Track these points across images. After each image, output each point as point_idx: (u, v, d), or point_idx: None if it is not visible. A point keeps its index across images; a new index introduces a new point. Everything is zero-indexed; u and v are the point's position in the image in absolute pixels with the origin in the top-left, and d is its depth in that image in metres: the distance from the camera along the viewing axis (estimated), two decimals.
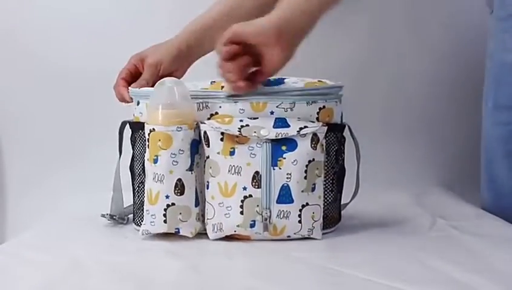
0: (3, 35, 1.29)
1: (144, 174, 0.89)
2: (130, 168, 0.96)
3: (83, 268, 0.77)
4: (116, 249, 0.87)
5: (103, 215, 0.97)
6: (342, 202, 0.98)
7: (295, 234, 0.88)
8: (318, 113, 0.90)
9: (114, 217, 0.97)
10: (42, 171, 1.30)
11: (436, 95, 1.34)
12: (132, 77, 1.00)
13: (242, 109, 0.88)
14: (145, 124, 0.88)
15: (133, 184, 0.95)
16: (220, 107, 0.88)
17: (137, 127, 0.92)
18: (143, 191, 0.91)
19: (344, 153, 0.95)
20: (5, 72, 1.30)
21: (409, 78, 1.33)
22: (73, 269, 0.77)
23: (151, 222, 0.87)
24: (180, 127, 0.86)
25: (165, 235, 0.88)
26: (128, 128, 0.96)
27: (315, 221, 0.88)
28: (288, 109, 0.88)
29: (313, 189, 0.88)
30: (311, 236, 0.89)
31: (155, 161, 0.86)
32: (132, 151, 0.95)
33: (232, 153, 0.86)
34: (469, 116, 1.30)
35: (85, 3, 1.29)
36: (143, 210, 0.90)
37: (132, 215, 0.97)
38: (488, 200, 1.10)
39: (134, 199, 0.95)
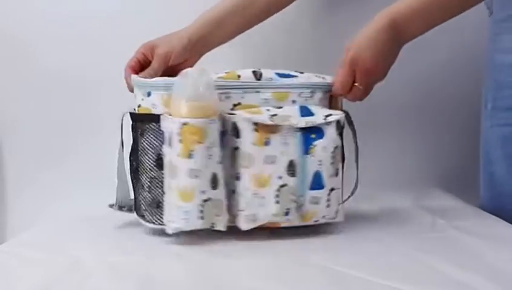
0: (2, 35, 1.29)
1: (158, 169, 0.88)
2: (132, 162, 0.93)
3: (83, 268, 0.77)
4: (116, 249, 0.87)
5: (110, 206, 0.95)
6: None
7: (323, 217, 0.90)
8: (330, 101, 0.94)
9: (123, 208, 0.96)
10: (42, 171, 1.30)
11: (437, 95, 1.34)
12: (141, 65, 0.99)
13: (265, 99, 0.89)
14: (169, 118, 0.85)
15: (138, 179, 0.92)
16: (243, 97, 0.89)
17: (148, 119, 0.90)
18: (157, 186, 0.89)
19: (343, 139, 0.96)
20: (4, 73, 1.29)
21: (409, 79, 1.33)
22: (73, 268, 0.77)
23: (185, 219, 0.85)
24: (213, 119, 0.84)
25: (165, 235, 0.88)
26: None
27: (339, 204, 0.91)
28: (309, 98, 0.91)
29: (336, 173, 0.91)
30: (336, 220, 0.92)
31: (191, 156, 0.83)
32: (135, 144, 0.92)
33: (267, 143, 0.86)
34: (470, 117, 1.31)
35: (81, 5, 1.29)
36: (157, 207, 0.89)
37: (135, 208, 0.95)
38: (487, 201, 1.10)
39: (142, 194, 0.92)
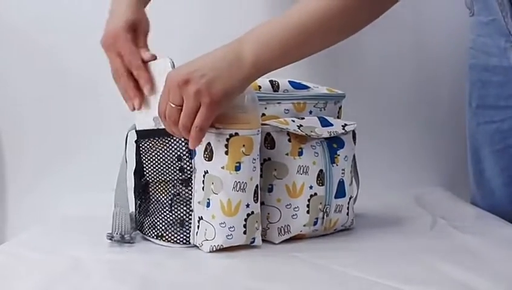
0: (4, 33, 1.29)
1: (183, 185, 0.85)
2: (141, 180, 0.91)
3: (83, 268, 0.78)
4: (116, 249, 0.87)
5: (110, 238, 0.86)
6: None
7: (342, 226, 0.93)
8: (338, 112, 0.96)
9: (125, 236, 0.87)
10: (42, 171, 1.30)
11: (437, 95, 1.34)
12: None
13: (287, 110, 0.90)
14: (211, 129, 0.81)
15: (150, 198, 0.89)
16: (266, 108, 0.89)
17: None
18: (181, 204, 0.86)
19: None
20: (5, 72, 1.30)
21: (408, 79, 1.34)
22: (73, 268, 0.77)
23: (228, 235, 0.82)
24: (258, 130, 0.83)
25: None
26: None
27: (353, 212, 0.94)
28: (322, 109, 0.93)
29: (351, 182, 0.94)
30: (352, 226, 0.95)
31: (237, 168, 0.81)
32: (145, 161, 0.89)
33: (300, 154, 0.87)
34: None
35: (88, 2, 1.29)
36: (181, 225, 0.85)
37: (145, 229, 0.90)
38: (479, 197, 1.12)
39: (159, 214, 0.88)
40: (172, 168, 0.86)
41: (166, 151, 0.87)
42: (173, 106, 0.79)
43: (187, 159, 0.85)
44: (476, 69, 1.09)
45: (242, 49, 0.78)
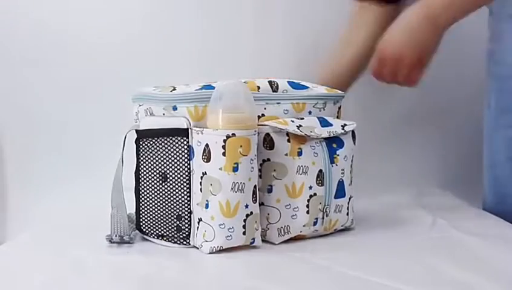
0: (4, 31, 1.29)
1: (189, 184, 0.85)
2: (143, 180, 0.90)
3: (83, 268, 0.78)
4: (116, 249, 0.87)
5: (109, 240, 0.87)
6: None
7: (342, 226, 0.93)
8: (337, 112, 0.96)
9: (124, 237, 0.88)
10: (42, 171, 1.30)
11: (437, 96, 1.34)
12: None
13: (286, 110, 0.90)
14: (209, 130, 0.82)
15: (157, 197, 0.88)
16: (265, 108, 0.89)
17: (173, 133, 0.86)
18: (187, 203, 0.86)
19: None
20: (5, 72, 1.30)
21: None
22: (73, 269, 0.77)
23: (227, 236, 0.82)
24: (255, 131, 0.84)
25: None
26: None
27: (353, 212, 0.94)
28: (322, 109, 0.93)
29: (351, 182, 0.94)
30: (352, 226, 0.95)
31: (235, 169, 0.81)
32: (145, 162, 0.89)
33: (299, 154, 0.87)
34: (470, 117, 1.31)
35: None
36: (177, 231, 0.86)
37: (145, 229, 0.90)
38: (491, 202, 1.11)
39: (158, 214, 0.89)
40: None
41: (165, 151, 0.87)
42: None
43: (188, 160, 0.85)
44: (495, 70, 1.07)
45: (431, 19, 0.97)
